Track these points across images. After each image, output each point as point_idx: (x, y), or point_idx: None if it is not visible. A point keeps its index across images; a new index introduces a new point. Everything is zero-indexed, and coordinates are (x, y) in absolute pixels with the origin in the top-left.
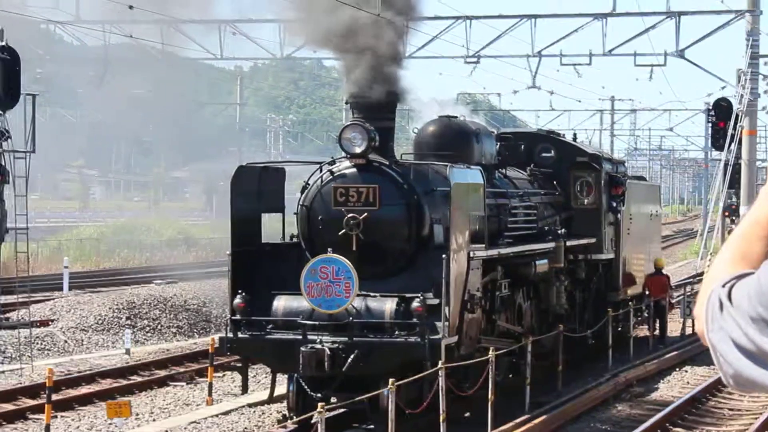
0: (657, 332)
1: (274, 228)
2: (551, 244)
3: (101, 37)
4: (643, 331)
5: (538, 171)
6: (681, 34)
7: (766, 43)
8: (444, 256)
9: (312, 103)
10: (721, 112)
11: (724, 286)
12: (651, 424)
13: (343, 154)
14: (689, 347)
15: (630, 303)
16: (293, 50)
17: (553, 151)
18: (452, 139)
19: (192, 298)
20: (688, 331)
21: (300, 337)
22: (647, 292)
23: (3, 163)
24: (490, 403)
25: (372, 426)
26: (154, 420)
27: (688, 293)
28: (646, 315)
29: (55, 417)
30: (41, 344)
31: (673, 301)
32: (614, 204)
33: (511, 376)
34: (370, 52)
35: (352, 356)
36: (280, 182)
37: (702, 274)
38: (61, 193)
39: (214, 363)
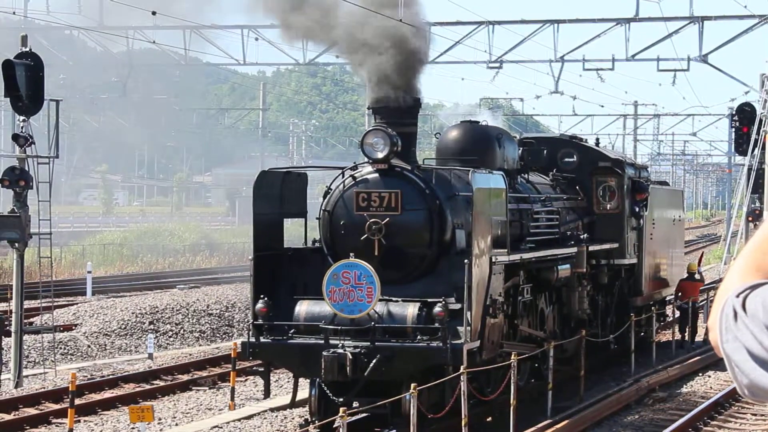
0: (687, 336)
1: (296, 233)
2: (573, 249)
3: (124, 43)
4: (666, 336)
5: (560, 176)
6: (704, 39)
7: None
8: (466, 261)
9: (335, 108)
10: (744, 117)
11: (738, 295)
12: (674, 429)
13: (366, 159)
14: (712, 352)
15: (653, 308)
16: (316, 55)
17: (575, 156)
18: (474, 144)
19: (214, 303)
20: None
21: (322, 341)
22: (680, 294)
23: (27, 169)
24: (512, 408)
25: (394, 430)
26: (176, 424)
27: (712, 298)
28: (672, 318)
29: (79, 421)
30: (64, 349)
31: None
32: (637, 209)
33: (533, 380)
34: (393, 57)
35: (374, 361)
36: (302, 187)
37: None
38: (82, 200)
39: (237, 367)
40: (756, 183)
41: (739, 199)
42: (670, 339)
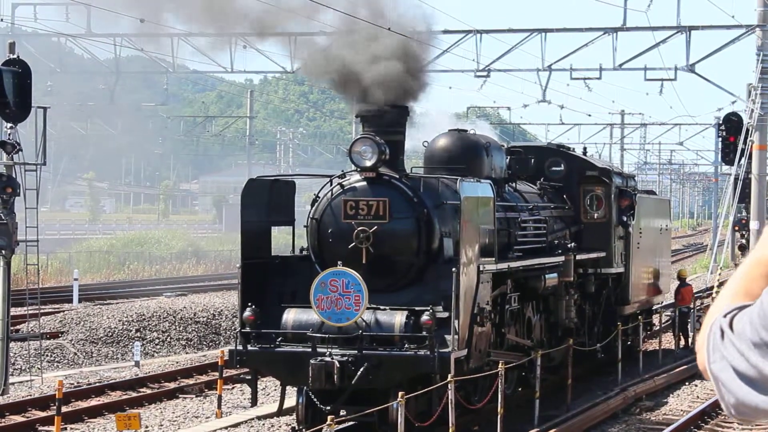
0: (681, 341)
1: (284, 241)
2: (561, 258)
3: (112, 51)
4: (653, 345)
5: (547, 185)
6: (691, 49)
7: None
8: (454, 269)
9: (322, 116)
10: (731, 127)
11: (725, 316)
12: None
13: (353, 167)
14: None
15: (639, 317)
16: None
17: (563, 165)
18: (462, 153)
19: (201, 311)
20: None
21: (309, 350)
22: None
23: (14, 176)
24: (499, 417)
25: None
26: None
27: (698, 307)
28: (661, 326)
29: (65, 429)
30: (51, 356)
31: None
32: (624, 218)
33: (520, 389)
34: (382, 66)
35: (361, 369)
36: (290, 195)
37: (712, 288)
38: (68, 208)
39: (224, 375)
40: (742, 192)
41: (726, 209)
42: (657, 348)
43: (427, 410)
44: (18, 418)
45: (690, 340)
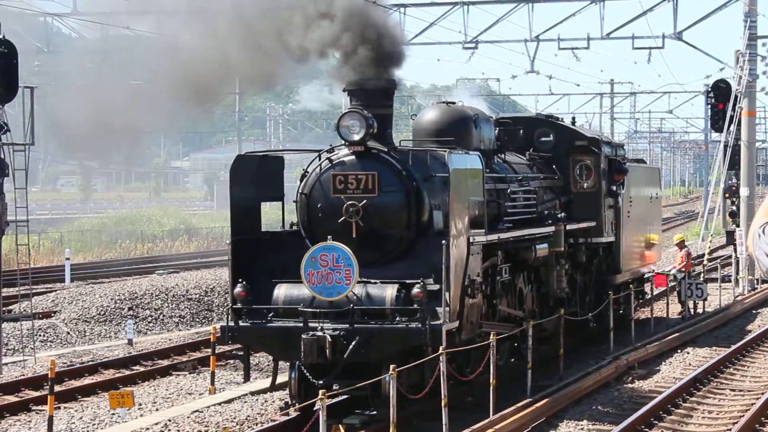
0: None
1: (274, 216)
2: (551, 228)
3: (99, 29)
4: (644, 313)
5: (537, 155)
6: (679, 16)
7: (764, 24)
8: (444, 241)
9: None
10: (720, 94)
11: (761, 227)
12: (653, 406)
13: (342, 141)
14: (690, 329)
15: (631, 285)
16: None
17: (552, 136)
18: (451, 125)
19: (193, 288)
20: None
21: (301, 324)
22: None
23: (3, 157)
24: (491, 388)
25: (374, 412)
26: (157, 410)
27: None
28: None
29: (59, 408)
30: (44, 336)
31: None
32: (614, 187)
33: (512, 360)
34: (368, 39)
35: (353, 343)
36: (279, 170)
37: (702, 256)
38: (59, 187)
39: (216, 352)
40: (732, 159)
41: (716, 176)
42: (649, 316)
43: (420, 383)
44: (11, 398)
45: (687, 307)
